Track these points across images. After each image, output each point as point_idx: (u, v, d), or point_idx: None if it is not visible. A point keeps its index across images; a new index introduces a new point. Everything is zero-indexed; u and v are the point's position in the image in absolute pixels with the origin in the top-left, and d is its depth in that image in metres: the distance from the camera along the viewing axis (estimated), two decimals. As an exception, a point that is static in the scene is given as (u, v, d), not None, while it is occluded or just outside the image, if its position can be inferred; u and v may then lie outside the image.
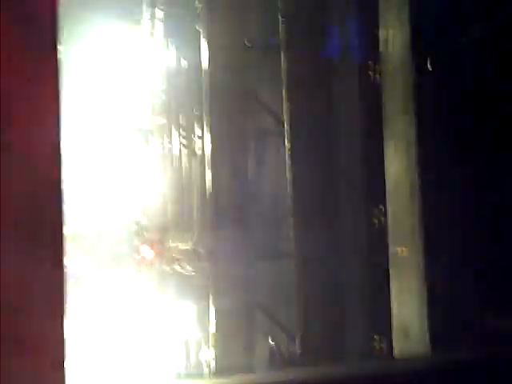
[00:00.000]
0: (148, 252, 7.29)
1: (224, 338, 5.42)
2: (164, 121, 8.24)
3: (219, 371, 5.55)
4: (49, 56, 2.62)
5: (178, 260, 6.40)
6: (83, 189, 10.36)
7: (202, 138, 6.45)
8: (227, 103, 5.85)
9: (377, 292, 4.42)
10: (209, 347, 5.80)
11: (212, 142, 5.91)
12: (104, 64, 9.17)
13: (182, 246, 6.52)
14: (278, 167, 5.57)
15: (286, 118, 5.17)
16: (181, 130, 7.75)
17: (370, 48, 4.52)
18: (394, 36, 4.26)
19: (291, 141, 5.06)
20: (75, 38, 9.09)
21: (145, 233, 8.24)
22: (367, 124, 4.59)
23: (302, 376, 3.92)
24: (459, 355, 3.64)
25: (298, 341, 4.78)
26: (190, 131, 7.64)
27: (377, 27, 4.40)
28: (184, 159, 7.69)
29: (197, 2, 6.23)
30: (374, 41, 4.44)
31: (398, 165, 4.24)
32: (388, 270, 4.24)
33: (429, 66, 4.13)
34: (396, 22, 4.29)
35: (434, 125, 4.15)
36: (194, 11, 6.14)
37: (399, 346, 4.14)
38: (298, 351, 4.73)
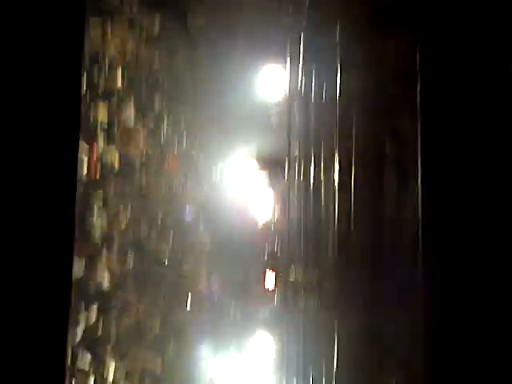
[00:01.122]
0: (271, 282, 7.20)
1: (347, 378, 5.16)
2: (300, 150, 8.19)
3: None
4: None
5: (301, 293, 6.25)
6: (219, 213, 10.57)
7: (335, 167, 6.29)
8: (360, 134, 5.64)
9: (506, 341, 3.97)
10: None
11: (343, 173, 5.70)
12: (243, 88, 9.35)
13: (308, 279, 6.37)
14: (414, 199, 5.26)
15: (420, 147, 4.86)
16: (316, 161, 7.64)
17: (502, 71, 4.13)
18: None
19: (424, 172, 4.74)
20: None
21: (276, 262, 8.20)
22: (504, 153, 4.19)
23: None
24: None
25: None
26: (325, 162, 7.51)
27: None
28: (319, 190, 7.56)
29: (337, 31, 6.12)
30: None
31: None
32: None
33: None
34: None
35: None
36: (332, 45, 6.03)
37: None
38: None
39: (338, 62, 5.62)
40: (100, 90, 8.18)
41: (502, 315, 4.24)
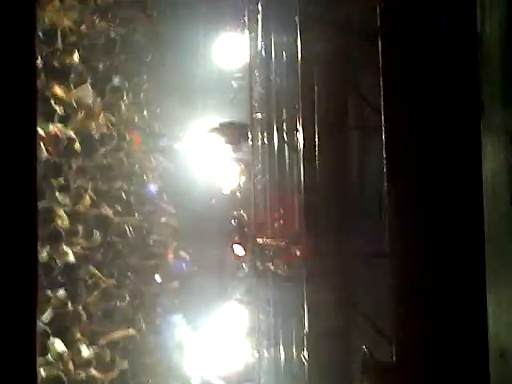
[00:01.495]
0: (240, 249, 7.22)
1: (317, 339, 5.23)
2: (263, 115, 8.13)
3: (312, 371, 5.38)
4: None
5: (271, 258, 6.28)
6: (183, 183, 10.52)
7: (299, 132, 6.27)
8: (324, 95, 5.64)
9: (472, 304, 4.03)
10: (303, 348, 5.65)
11: (306, 136, 5.70)
12: (203, 56, 9.23)
13: (277, 244, 6.39)
14: (378, 161, 5.30)
15: (383, 109, 4.88)
16: (280, 125, 7.60)
17: (468, 31, 4.13)
18: (491, 14, 3.85)
19: (388, 134, 4.76)
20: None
21: (244, 229, 8.20)
22: (465, 115, 4.23)
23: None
24: None
25: (393, 347, 4.50)
26: (289, 126, 7.49)
27: (473, 9, 4.02)
28: (283, 154, 7.54)
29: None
30: (472, 23, 4.05)
31: (496, 163, 3.81)
32: (484, 280, 3.81)
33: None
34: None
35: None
36: (291, 2, 5.98)
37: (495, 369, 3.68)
38: (393, 358, 4.45)
39: (298, 22, 5.58)
40: (56, 68, 7.98)
41: (466, 274, 4.31)
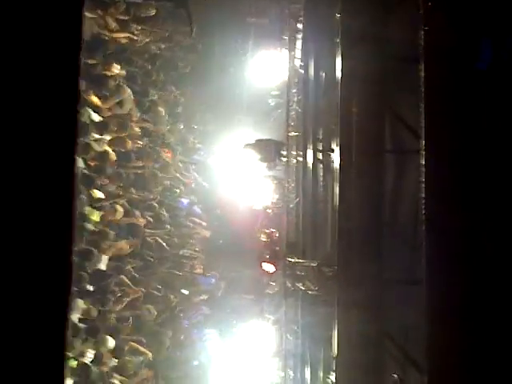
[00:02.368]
0: (270, 267, 7.16)
1: (345, 364, 5.14)
2: (299, 134, 8.08)
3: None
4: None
5: (302, 278, 6.20)
6: (216, 198, 10.52)
7: (334, 152, 6.21)
8: (362, 117, 5.58)
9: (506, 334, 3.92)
10: (330, 371, 5.55)
11: (342, 157, 5.64)
12: (241, 72, 9.23)
13: (308, 264, 6.31)
14: (415, 185, 5.21)
15: (423, 132, 4.80)
16: (315, 145, 7.54)
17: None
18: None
19: (427, 157, 4.68)
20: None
21: (275, 247, 8.15)
22: (510, 140, 4.14)
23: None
24: None
25: (424, 376, 4.39)
26: (324, 146, 7.44)
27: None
28: (317, 174, 7.47)
29: (336, 15, 6.04)
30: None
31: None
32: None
33: None
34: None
35: None
36: (333, 23, 5.95)
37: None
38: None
39: (339, 42, 5.54)
40: (95, 79, 8.02)
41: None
